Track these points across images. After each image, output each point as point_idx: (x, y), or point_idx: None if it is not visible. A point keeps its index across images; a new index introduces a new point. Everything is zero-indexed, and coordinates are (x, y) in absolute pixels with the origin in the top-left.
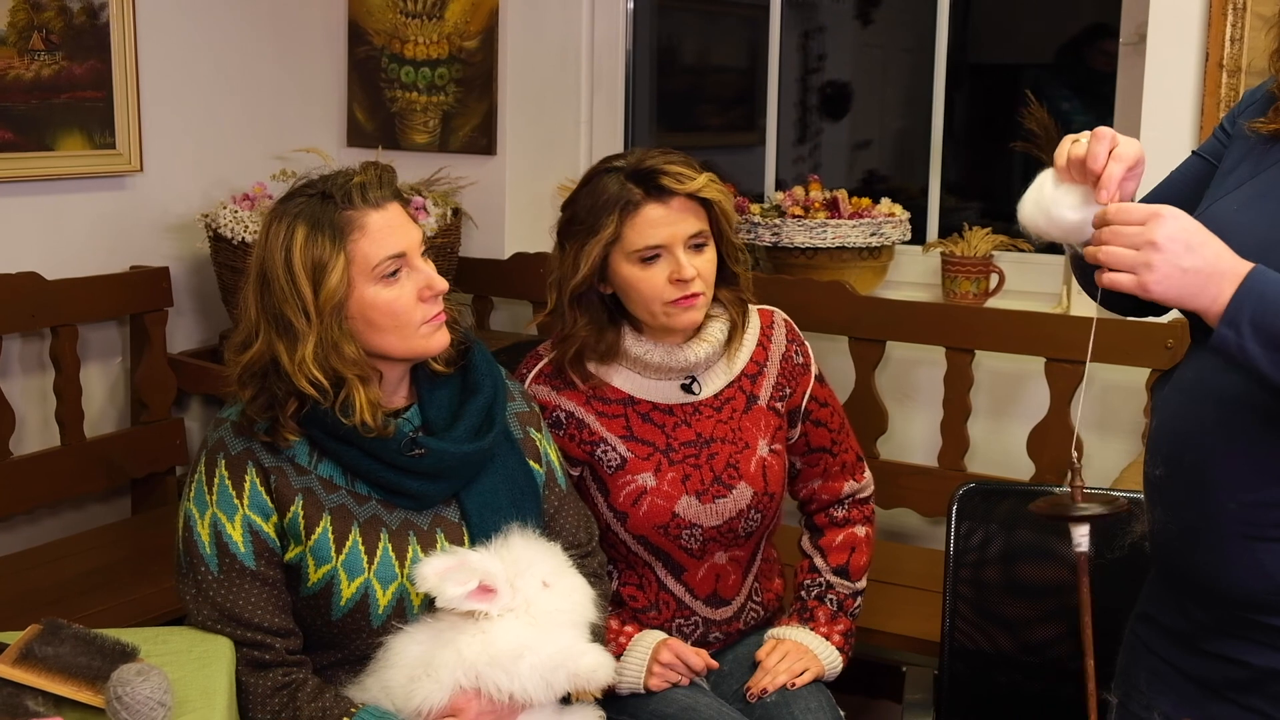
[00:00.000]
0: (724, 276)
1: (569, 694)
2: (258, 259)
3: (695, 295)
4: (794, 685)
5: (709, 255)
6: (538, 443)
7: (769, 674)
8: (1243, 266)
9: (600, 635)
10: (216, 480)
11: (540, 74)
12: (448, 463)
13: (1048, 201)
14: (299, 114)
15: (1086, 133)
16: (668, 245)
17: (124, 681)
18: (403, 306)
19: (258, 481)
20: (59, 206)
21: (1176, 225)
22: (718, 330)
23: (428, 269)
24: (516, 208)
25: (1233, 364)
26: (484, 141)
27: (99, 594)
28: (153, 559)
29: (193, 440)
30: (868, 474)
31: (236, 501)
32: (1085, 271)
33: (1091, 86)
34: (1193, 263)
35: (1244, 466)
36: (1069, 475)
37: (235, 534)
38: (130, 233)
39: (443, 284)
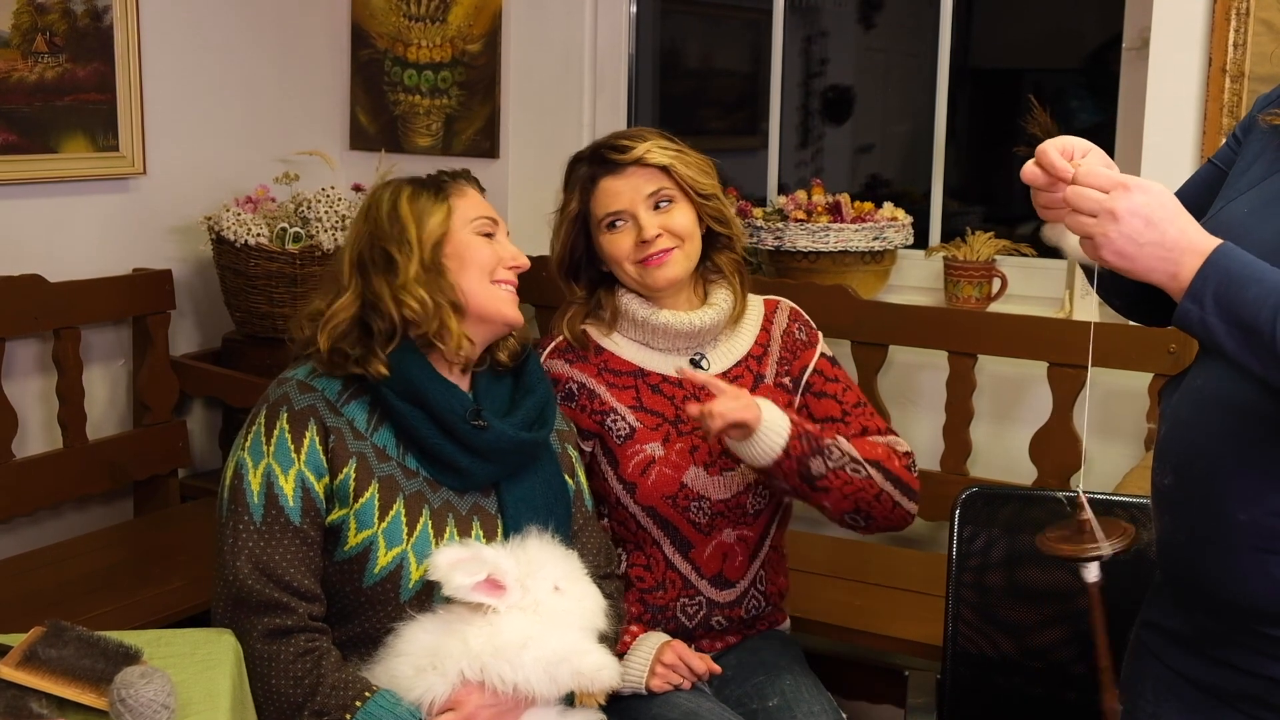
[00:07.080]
0: (716, 242)
1: (573, 697)
2: (361, 224)
3: (665, 251)
4: (724, 419)
5: (678, 212)
6: (574, 460)
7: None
8: (1209, 243)
9: (611, 646)
10: (277, 432)
11: (543, 77)
12: (503, 444)
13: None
14: (302, 117)
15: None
16: (628, 210)
17: (127, 684)
18: (489, 256)
19: (317, 439)
20: (62, 209)
21: (1141, 199)
22: (723, 297)
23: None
24: (519, 211)
25: (1195, 338)
26: (487, 145)
27: (102, 596)
28: (155, 561)
29: (195, 442)
30: (900, 437)
31: (294, 456)
32: (1104, 283)
33: (1099, 90)
34: (1151, 237)
35: (1254, 478)
36: (1078, 510)
37: (287, 487)
38: (133, 235)
39: (525, 261)
